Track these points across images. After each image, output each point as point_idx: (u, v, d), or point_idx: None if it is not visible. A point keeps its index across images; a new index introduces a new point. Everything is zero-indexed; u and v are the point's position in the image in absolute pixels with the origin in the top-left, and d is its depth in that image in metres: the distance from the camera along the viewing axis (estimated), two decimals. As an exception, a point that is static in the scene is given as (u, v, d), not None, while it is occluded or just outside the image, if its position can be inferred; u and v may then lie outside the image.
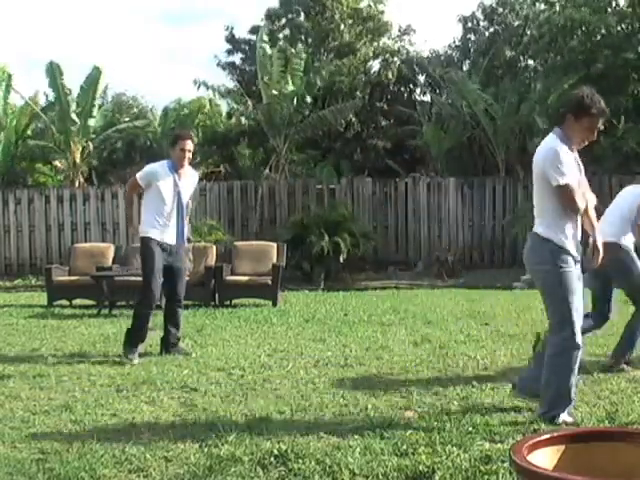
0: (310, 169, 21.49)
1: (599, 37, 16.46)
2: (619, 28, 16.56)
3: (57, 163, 20.86)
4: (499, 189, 16.71)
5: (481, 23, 22.67)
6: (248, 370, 6.45)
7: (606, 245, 4.95)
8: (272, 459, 4.05)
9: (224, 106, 24.79)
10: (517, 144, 17.71)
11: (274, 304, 11.11)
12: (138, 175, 7.30)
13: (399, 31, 24.03)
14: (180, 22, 52.25)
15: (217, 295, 11.31)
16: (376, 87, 22.63)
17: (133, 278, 10.51)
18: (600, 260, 4.79)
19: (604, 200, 6.28)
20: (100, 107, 20.59)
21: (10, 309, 11.16)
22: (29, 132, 20.85)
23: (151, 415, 5.06)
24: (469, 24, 22.61)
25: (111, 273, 11.25)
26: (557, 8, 18.01)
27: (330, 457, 4.06)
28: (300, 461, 4.00)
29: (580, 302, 4.73)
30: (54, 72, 17.82)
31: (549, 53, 18.34)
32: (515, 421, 4.72)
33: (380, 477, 3.80)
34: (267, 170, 18.68)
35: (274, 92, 17.62)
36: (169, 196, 7.10)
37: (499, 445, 4.20)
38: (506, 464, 3.75)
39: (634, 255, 6.20)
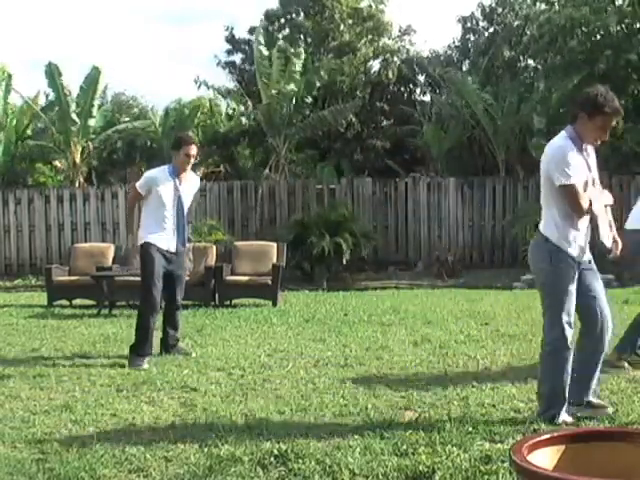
0: (310, 169, 21.50)
1: (599, 37, 16.45)
2: (618, 28, 16.55)
3: (57, 163, 20.89)
4: (499, 189, 16.71)
5: (480, 23, 22.69)
6: (248, 370, 6.45)
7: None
8: (272, 459, 4.05)
9: (224, 106, 24.83)
10: (517, 144, 17.72)
11: (274, 304, 11.10)
12: (138, 184, 7.20)
13: (399, 31, 24.06)
14: (180, 22, 52.30)
15: (217, 295, 11.31)
16: (376, 87, 22.64)
17: (133, 278, 10.52)
18: (620, 250, 4.85)
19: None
20: (100, 107, 20.59)
21: (10, 309, 11.15)
22: (29, 132, 20.86)
23: (151, 415, 5.06)
24: (468, 24, 22.63)
25: (111, 273, 11.25)
26: (557, 7, 18.00)
27: (330, 457, 4.06)
28: (300, 461, 4.00)
29: (572, 305, 4.65)
30: (53, 73, 17.83)
31: (549, 53, 18.33)
32: (515, 421, 4.71)
33: (380, 477, 3.80)
34: (267, 170, 18.69)
35: (273, 92, 17.64)
36: (169, 201, 7.01)
37: (499, 445, 4.20)
38: (506, 464, 3.75)
39: None
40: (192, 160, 7.13)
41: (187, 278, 7.72)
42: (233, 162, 22.62)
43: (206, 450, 4.23)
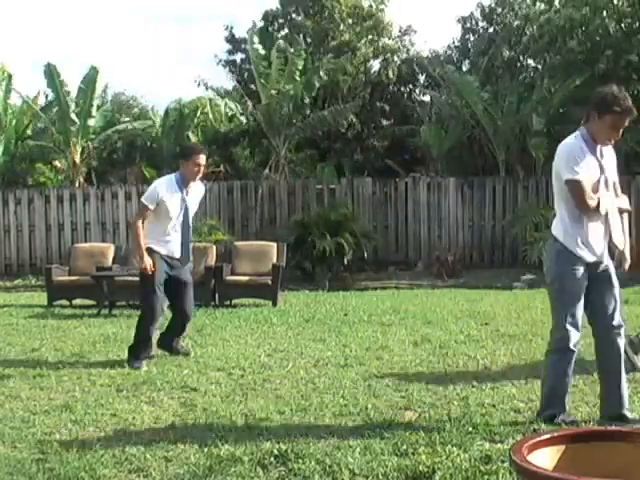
0: (310, 169, 21.50)
1: (598, 37, 16.43)
2: (617, 27, 16.54)
3: (57, 163, 20.87)
4: (499, 189, 16.70)
5: (480, 23, 22.69)
6: (248, 370, 6.45)
7: None
8: (272, 459, 4.05)
9: (224, 106, 24.81)
10: (517, 144, 17.71)
11: (274, 304, 11.10)
12: (145, 199, 6.89)
13: (399, 31, 24.05)
14: (180, 22, 52.29)
15: (217, 295, 11.31)
16: (376, 87, 22.64)
17: (133, 278, 10.52)
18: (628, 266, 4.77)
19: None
20: (100, 107, 20.59)
21: (10, 309, 11.15)
22: (29, 132, 20.87)
23: (151, 415, 5.06)
24: (468, 24, 22.64)
25: (111, 273, 11.24)
26: (557, 5, 18.00)
27: (330, 457, 4.06)
28: (300, 461, 4.00)
29: (581, 308, 4.60)
30: (52, 73, 17.84)
31: (549, 53, 18.34)
32: (515, 421, 4.72)
33: (380, 477, 3.80)
34: (267, 170, 18.69)
35: (273, 92, 17.63)
36: (175, 213, 6.84)
37: (499, 445, 4.20)
38: (506, 464, 3.75)
39: None
40: (202, 170, 6.98)
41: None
42: (233, 162, 22.61)
43: (206, 450, 4.23)
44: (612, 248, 4.72)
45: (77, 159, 18.47)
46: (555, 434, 2.69)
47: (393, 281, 15.20)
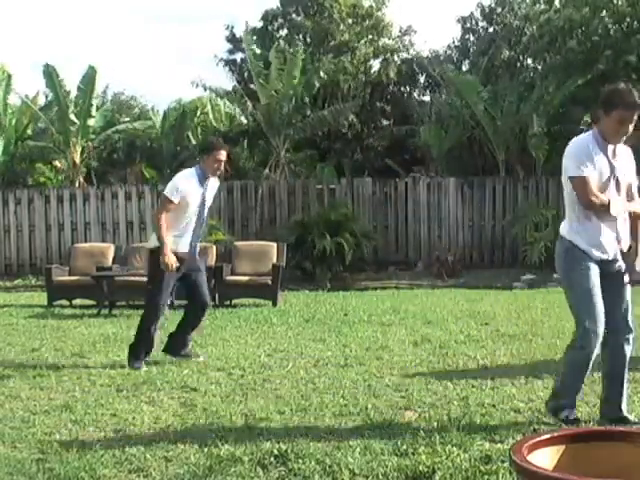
0: (310, 169, 21.49)
1: (598, 38, 16.43)
2: (617, 27, 16.54)
3: (57, 163, 20.86)
4: (499, 189, 16.71)
5: (480, 23, 22.69)
6: (248, 370, 6.45)
7: None
8: (272, 459, 4.05)
9: (224, 106, 24.81)
10: (517, 144, 17.71)
11: (274, 304, 11.10)
12: (169, 193, 6.70)
13: (399, 31, 24.05)
14: (180, 22, 52.30)
15: (217, 295, 11.28)
16: (376, 87, 22.62)
17: (133, 278, 10.53)
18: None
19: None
20: (100, 107, 20.59)
21: (10, 309, 11.15)
22: (29, 132, 20.86)
23: (151, 415, 5.06)
24: (467, 24, 22.63)
25: (111, 273, 11.25)
26: (557, 5, 18.00)
27: (330, 457, 4.06)
28: (300, 461, 4.00)
29: (598, 303, 4.49)
30: (50, 74, 17.85)
31: (549, 53, 18.33)
32: (515, 421, 4.72)
33: (380, 477, 3.80)
34: (267, 170, 18.68)
35: (273, 92, 17.62)
36: (194, 208, 6.76)
37: (499, 445, 4.20)
38: (506, 464, 3.75)
39: None
40: (222, 165, 6.91)
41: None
42: (233, 162, 22.59)
43: (206, 450, 4.23)
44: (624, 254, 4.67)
45: (77, 159, 18.47)
46: (555, 434, 2.69)
47: (393, 281, 15.20)
